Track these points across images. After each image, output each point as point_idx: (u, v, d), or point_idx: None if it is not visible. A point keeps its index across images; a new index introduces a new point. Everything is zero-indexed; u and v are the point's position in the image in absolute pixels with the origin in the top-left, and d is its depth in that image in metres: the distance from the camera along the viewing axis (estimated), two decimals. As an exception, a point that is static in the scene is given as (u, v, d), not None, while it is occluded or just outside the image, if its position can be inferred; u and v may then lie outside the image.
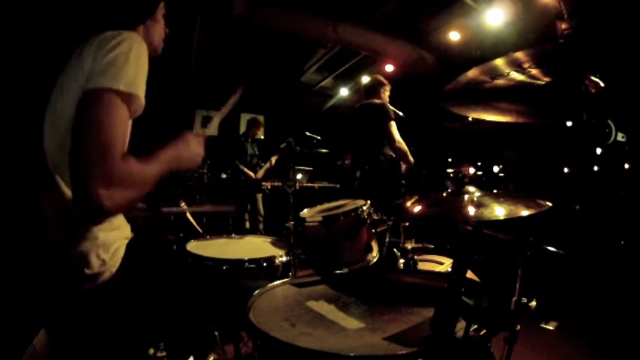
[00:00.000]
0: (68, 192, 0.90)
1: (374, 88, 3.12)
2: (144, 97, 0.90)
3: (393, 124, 2.84)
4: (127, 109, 0.86)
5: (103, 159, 0.77)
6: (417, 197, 1.03)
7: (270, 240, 1.85)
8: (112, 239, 0.98)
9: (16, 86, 1.38)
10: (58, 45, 1.16)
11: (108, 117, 0.80)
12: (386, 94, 3.14)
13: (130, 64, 0.86)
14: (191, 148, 1.03)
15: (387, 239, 1.61)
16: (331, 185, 6.01)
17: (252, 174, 4.75)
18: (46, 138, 0.94)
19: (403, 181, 2.90)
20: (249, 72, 5.94)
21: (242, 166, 4.71)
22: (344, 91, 6.83)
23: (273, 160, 4.83)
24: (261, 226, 4.89)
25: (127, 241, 1.04)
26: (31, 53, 1.48)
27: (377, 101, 3.04)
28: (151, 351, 1.10)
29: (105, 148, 0.78)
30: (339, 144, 3.91)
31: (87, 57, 0.88)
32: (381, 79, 3.17)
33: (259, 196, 4.91)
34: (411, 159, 2.87)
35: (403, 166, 2.89)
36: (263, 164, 4.90)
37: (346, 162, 5.08)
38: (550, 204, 0.83)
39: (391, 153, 2.89)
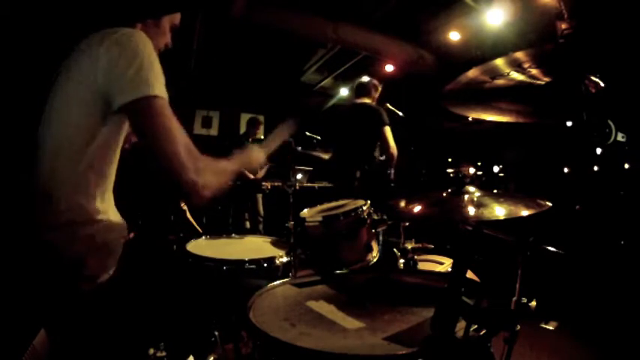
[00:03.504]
0: (63, 196, 0.90)
1: (367, 89, 3.11)
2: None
3: (389, 129, 2.87)
4: None
5: (189, 157, 0.89)
6: (409, 198, 1.03)
7: (270, 240, 1.85)
8: (110, 240, 0.97)
9: (12, 84, 1.37)
10: (54, 41, 1.15)
11: (171, 123, 0.90)
12: (376, 95, 3.16)
13: (154, 66, 0.91)
14: (254, 154, 1.33)
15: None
16: (331, 185, 6.00)
17: (250, 174, 4.75)
18: (44, 142, 0.93)
19: (392, 184, 2.95)
20: (250, 72, 5.94)
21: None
22: (344, 91, 6.82)
23: None
24: (260, 226, 4.89)
25: (124, 241, 1.03)
26: (27, 49, 1.46)
27: (371, 102, 3.06)
28: (151, 351, 1.10)
29: (185, 148, 0.90)
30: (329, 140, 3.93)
31: (95, 61, 0.88)
32: (376, 82, 3.17)
33: (259, 196, 4.90)
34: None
35: (392, 171, 2.94)
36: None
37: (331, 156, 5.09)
38: (550, 204, 0.83)
39: (378, 156, 2.92)
